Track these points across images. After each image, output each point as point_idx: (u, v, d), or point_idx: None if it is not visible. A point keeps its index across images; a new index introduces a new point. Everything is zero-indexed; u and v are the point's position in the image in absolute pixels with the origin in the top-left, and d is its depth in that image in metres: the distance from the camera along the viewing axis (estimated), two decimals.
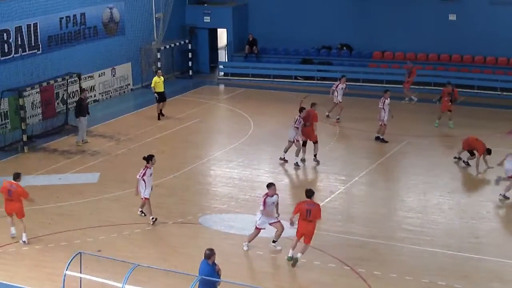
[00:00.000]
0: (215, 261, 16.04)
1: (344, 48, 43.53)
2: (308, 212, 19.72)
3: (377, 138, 31.02)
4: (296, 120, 27.84)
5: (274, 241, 20.78)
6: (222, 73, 44.46)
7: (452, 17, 41.40)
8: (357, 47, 43.25)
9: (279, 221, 20.52)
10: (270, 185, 20.54)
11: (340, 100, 34.25)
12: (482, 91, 38.46)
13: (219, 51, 47.57)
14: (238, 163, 28.54)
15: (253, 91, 40.52)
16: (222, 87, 42.42)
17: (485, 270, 19.73)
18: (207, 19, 45.23)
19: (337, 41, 43.81)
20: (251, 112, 35.56)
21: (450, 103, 32.90)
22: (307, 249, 19.94)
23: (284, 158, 28.30)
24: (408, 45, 41.74)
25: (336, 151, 30.04)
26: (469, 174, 27.30)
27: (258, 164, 28.69)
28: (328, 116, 34.46)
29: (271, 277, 19.45)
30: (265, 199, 20.31)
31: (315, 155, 28.52)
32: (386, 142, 30.80)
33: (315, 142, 28.55)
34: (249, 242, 20.72)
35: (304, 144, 28.52)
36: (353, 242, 21.20)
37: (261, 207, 20.30)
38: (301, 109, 28.08)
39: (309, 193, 20.09)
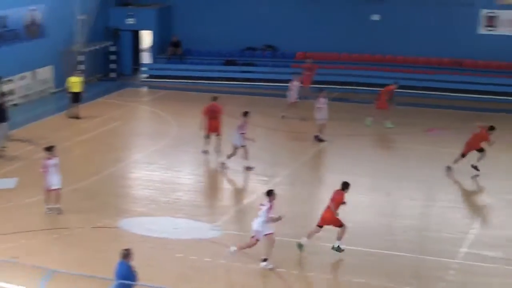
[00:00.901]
0: (131, 264, 15.92)
1: (268, 49, 43.71)
2: (330, 200, 20.35)
3: (317, 137, 31.13)
4: (241, 126, 27.42)
5: (265, 259, 19.77)
6: (146, 75, 44.23)
7: (375, 17, 41.90)
8: (281, 48, 43.46)
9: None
10: (271, 192, 19.83)
11: (294, 100, 34.70)
12: (404, 90, 38.92)
13: (142, 53, 47.30)
14: (160, 165, 28.35)
15: (177, 93, 40.40)
16: (145, 89, 42.19)
17: (403, 266, 19.95)
18: (131, 21, 44.90)
19: (262, 42, 43.94)
20: (174, 114, 35.43)
21: (387, 103, 33.31)
22: (343, 234, 20.32)
23: (248, 166, 27.58)
24: (331, 45, 42.10)
25: (260, 151, 30.03)
26: (390, 173, 27.58)
27: (179, 166, 28.58)
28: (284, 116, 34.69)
29: (191, 280, 19.28)
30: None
31: (218, 150, 29.17)
32: (323, 141, 30.96)
33: (218, 135, 29.07)
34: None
35: (208, 136, 29.08)
36: (279, 243, 21.14)
37: (268, 214, 19.53)
38: (246, 113, 27.68)
39: (342, 185, 20.54)
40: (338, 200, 20.30)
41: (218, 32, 44.00)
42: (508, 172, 27.47)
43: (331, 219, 20.34)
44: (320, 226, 20.53)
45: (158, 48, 45.12)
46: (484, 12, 40.79)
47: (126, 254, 15.89)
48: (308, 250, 20.66)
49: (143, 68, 44.85)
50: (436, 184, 26.75)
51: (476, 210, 24.38)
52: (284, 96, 36.16)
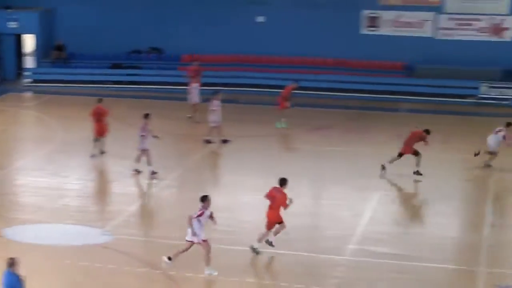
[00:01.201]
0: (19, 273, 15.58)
1: (154, 51, 43.56)
2: (272, 199, 20.36)
3: (224, 141, 31.04)
4: (141, 128, 27.00)
5: (169, 258, 19.55)
6: (30, 80, 43.31)
7: (260, 19, 42.27)
8: (166, 51, 43.35)
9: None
10: (205, 198, 19.43)
11: (194, 102, 34.67)
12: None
13: (25, 57, 46.27)
14: (46, 171, 27.76)
15: (62, 98, 39.67)
16: (29, 94, 41.29)
17: (294, 264, 20.15)
18: (13, 24, 43.85)
19: (147, 45, 43.71)
20: (60, 118, 34.78)
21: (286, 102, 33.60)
22: (264, 237, 20.36)
23: (137, 170, 27.04)
24: (216, 47, 42.11)
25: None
26: (279, 172, 27.77)
27: (67, 171, 28.04)
28: (190, 117, 34.61)
29: (81, 286, 19.03)
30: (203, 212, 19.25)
31: (102, 151, 28.89)
32: (210, 142, 30.91)
33: (103, 137, 28.95)
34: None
35: (97, 139, 28.84)
36: (164, 246, 21.06)
37: (194, 215, 19.12)
38: (147, 115, 27.25)
39: (281, 182, 20.56)
40: (282, 198, 20.40)
41: (103, 35, 43.38)
42: (395, 170, 28.03)
43: (274, 217, 20.46)
44: (279, 222, 20.56)
45: (41, 52, 44.24)
46: (366, 12, 41.66)
47: (12, 263, 15.56)
48: (201, 253, 20.63)
49: (27, 73, 43.88)
50: (325, 183, 27.17)
51: (364, 207, 24.73)
52: (169, 99, 36.21)
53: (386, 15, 41.41)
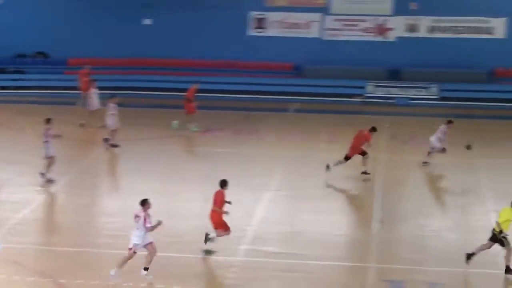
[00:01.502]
0: None
1: (39, 55, 42.85)
2: (213, 202, 20.54)
3: (107, 141, 30.63)
4: (44, 134, 26.17)
5: (146, 268, 19.08)
6: None
7: (147, 21, 42.05)
8: (52, 54, 42.64)
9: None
10: (145, 202, 18.98)
11: (95, 108, 34.16)
12: (179, 93, 39.18)
13: None
14: None
15: None
16: None
17: (187, 267, 20.07)
18: None
19: (33, 49, 42.93)
20: None
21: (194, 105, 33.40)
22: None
23: (44, 173, 26.18)
24: (103, 50, 41.69)
25: (36, 159, 29.02)
26: (173, 175, 27.70)
27: None
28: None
29: None
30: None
31: None
32: (117, 146, 30.56)
33: None
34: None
35: None
36: (55, 253, 20.73)
37: (147, 224, 18.67)
38: (48, 120, 26.36)
39: (221, 184, 20.70)
40: (220, 199, 20.42)
41: None
42: (286, 169, 28.27)
43: (217, 221, 20.42)
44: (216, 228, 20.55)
45: None
46: (253, 14, 41.93)
47: None
48: (92, 259, 20.34)
49: None
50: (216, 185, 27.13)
51: (256, 207, 24.83)
52: (58, 103, 35.67)
53: (273, 16, 41.80)
